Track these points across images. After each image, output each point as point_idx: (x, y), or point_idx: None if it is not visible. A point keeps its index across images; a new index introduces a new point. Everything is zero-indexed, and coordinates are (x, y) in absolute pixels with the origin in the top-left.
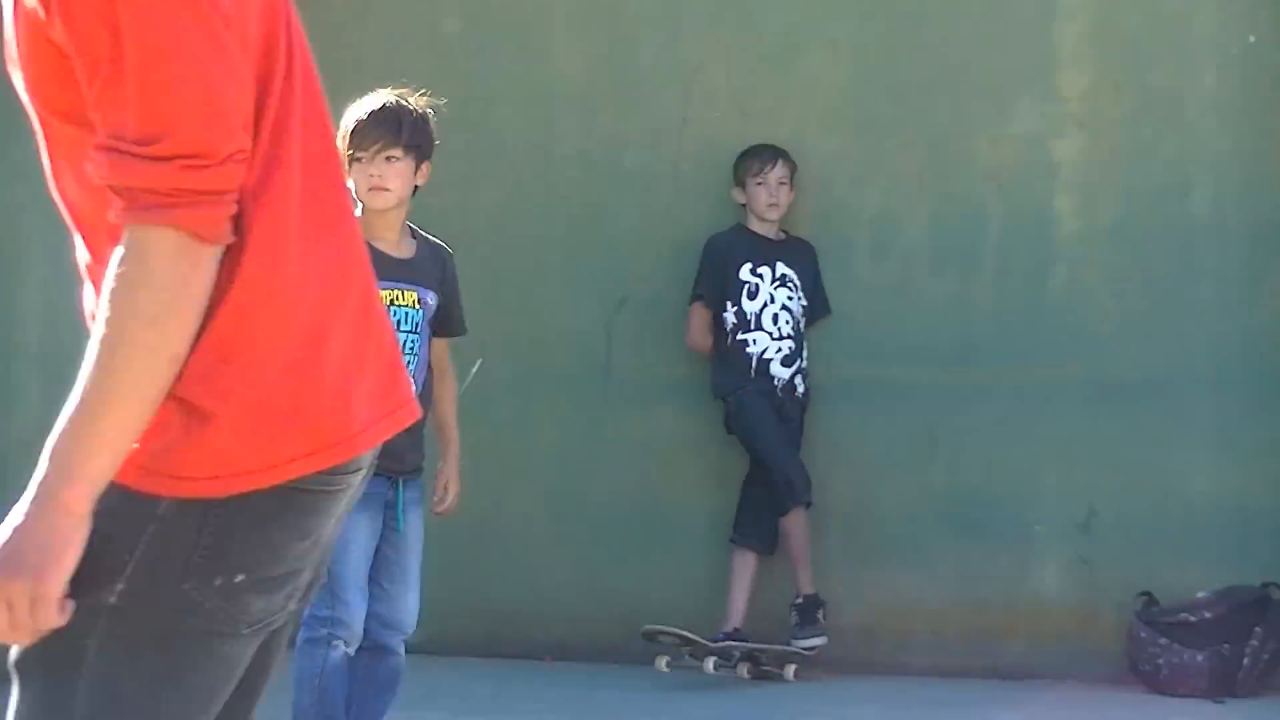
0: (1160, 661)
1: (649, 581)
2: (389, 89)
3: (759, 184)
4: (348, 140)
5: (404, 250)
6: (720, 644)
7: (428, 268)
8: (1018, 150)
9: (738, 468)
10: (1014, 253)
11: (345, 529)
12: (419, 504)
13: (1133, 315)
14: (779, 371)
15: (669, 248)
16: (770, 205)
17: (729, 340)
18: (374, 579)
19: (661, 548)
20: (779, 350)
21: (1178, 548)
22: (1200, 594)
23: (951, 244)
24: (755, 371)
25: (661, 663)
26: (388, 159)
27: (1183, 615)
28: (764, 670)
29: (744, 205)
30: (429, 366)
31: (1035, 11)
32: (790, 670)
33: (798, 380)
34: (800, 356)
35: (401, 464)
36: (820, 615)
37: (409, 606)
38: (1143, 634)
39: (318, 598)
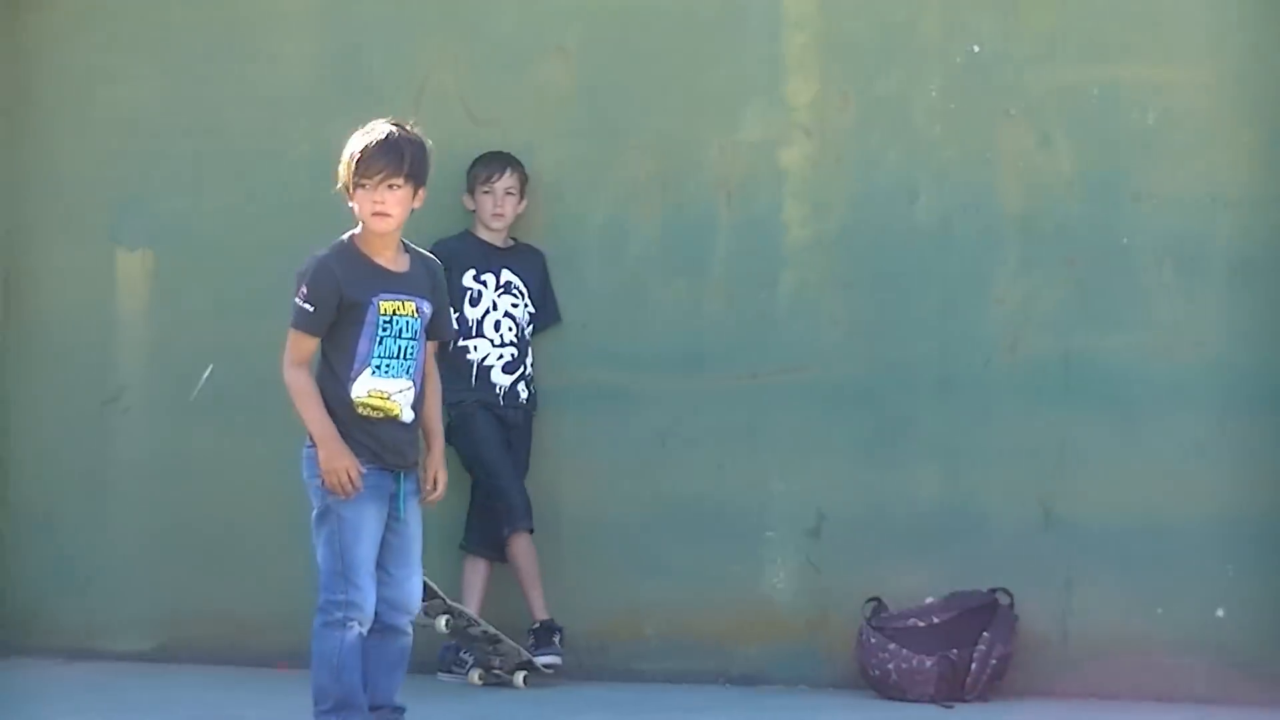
0: (890, 666)
1: None
2: (389, 119)
3: (485, 192)
4: (353, 167)
5: (400, 265)
6: (458, 606)
7: (420, 279)
8: (746, 158)
9: (468, 475)
10: (743, 259)
11: (356, 520)
12: (416, 494)
13: (860, 321)
14: (500, 379)
15: None
16: (495, 214)
17: (451, 347)
18: (380, 565)
19: None
20: (500, 357)
21: (906, 553)
22: (929, 599)
23: (682, 251)
24: (476, 379)
25: None
26: (390, 186)
27: (912, 620)
28: (495, 676)
29: (473, 212)
30: None
31: (763, 20)
32: (520, 677)
33: (520, 387)
34: (524, 364)
35: (403, 459)
36: (556, 640)
37: (414, 589)
38: (872, 639)
39: (332, 583)
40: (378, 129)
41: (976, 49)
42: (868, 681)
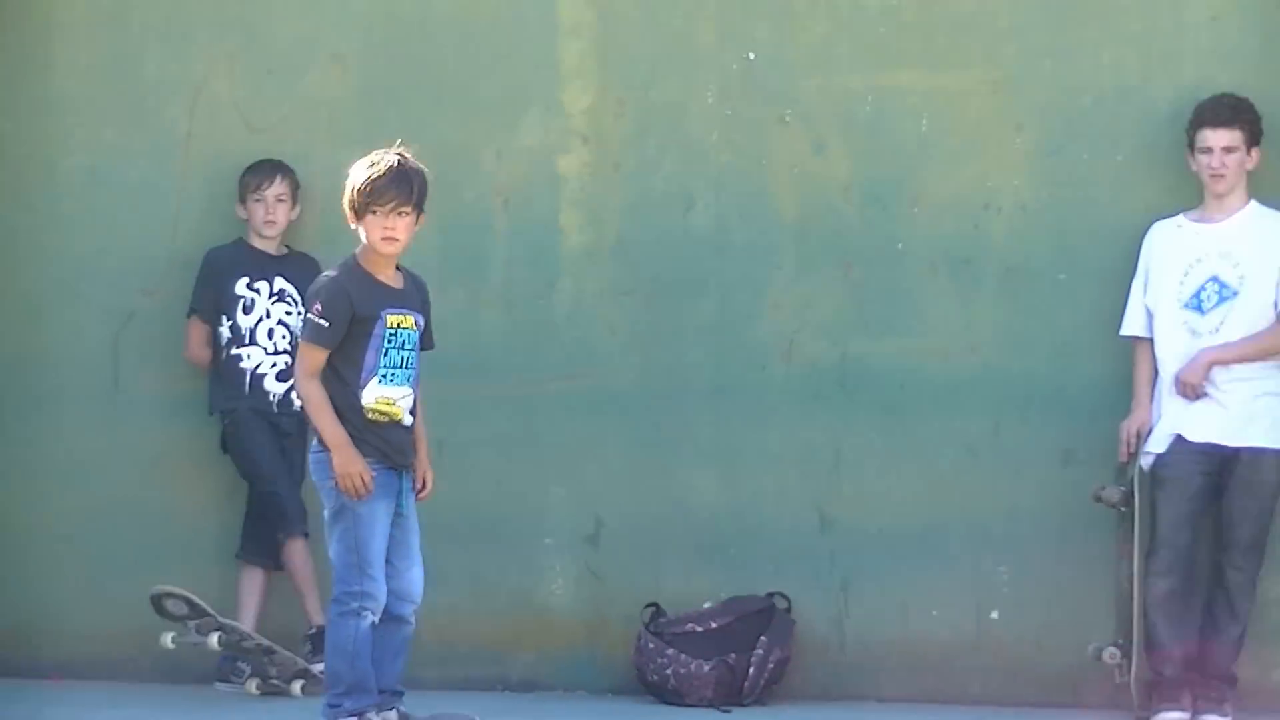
0: (668, 671)
1: None
2: (393, 149)
3: (257, 200)
4: (363, 194)
5: (398, 282)
6: (229, 622)
7: (414, 295)
8: (524, 165)
9: (244, 482)
10: (521, 267)
11: (370, 516)
12: (412, 491)
13: (637, 328)
14: (273, 387)
15: (175, 262)
16: (268, 222)
17: (224, 355)
18: (386, 558)
19: (172, 562)
20: (274, 365)
21: (685, 558)
22: (706, 604)
23: (460, 257)
24: (249, 387)
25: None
26: (399, 214)
27: (690, 625)
28: (272, 685)
29: (246, 220)
30: None
31: (539, 27)
32: (297, 686)
33: (294, 395)
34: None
35: (405, 458)
36: None
37: (417, 579)
38: (650, 645)
39: (348, 575)
40: (385, 159)
41: (752, 56)
42: (646, 687)
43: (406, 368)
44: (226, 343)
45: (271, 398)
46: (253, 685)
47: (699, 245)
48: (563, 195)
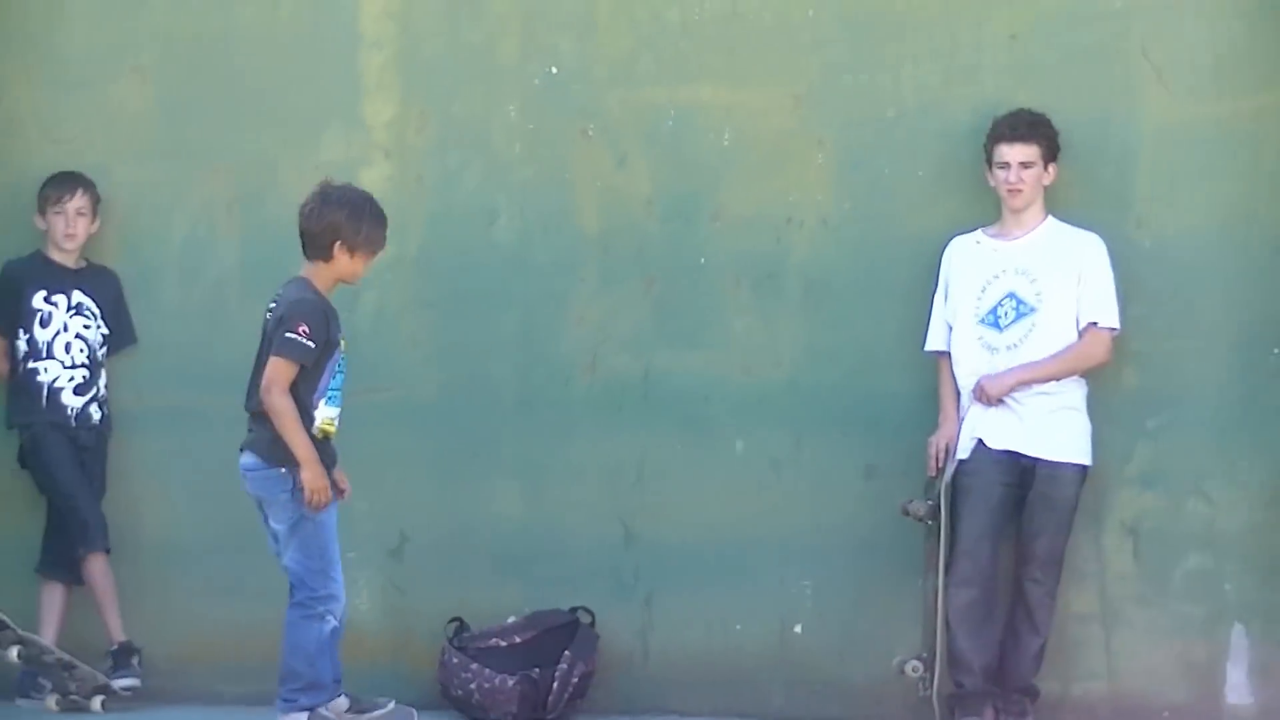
0: (472, 686)
1: None
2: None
3: (57, 213)
4: (361, 234)
5: None
6: (29, 635)
7: None
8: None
9: (44, 497)
10: None
11: (328, 524)
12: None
13: (440, 341)
14: (71, 401)
15: None
16: (68, 235)
17: (21, 369)
18: None
19: None
20: (71, 379)
21: (489, 572)
22: (511, 618)
23: (261, 272)
24: (47, 401)
25: None
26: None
27: (494, 640)
28: (72, 701)
29: (45, 232)
30: None
31: (341, 41)
32: (97, 702)
33: (93, 409)
34: (96, 385)
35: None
36: (135, 661)
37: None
38: (454, 659)
39: (313, 580)
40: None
41: (554, 70)
42: (450, 702)
43: (340, 390)
44: (24, 356)
45: (70, 412)
46: (53, 701)
47: (502, 259)
48: None
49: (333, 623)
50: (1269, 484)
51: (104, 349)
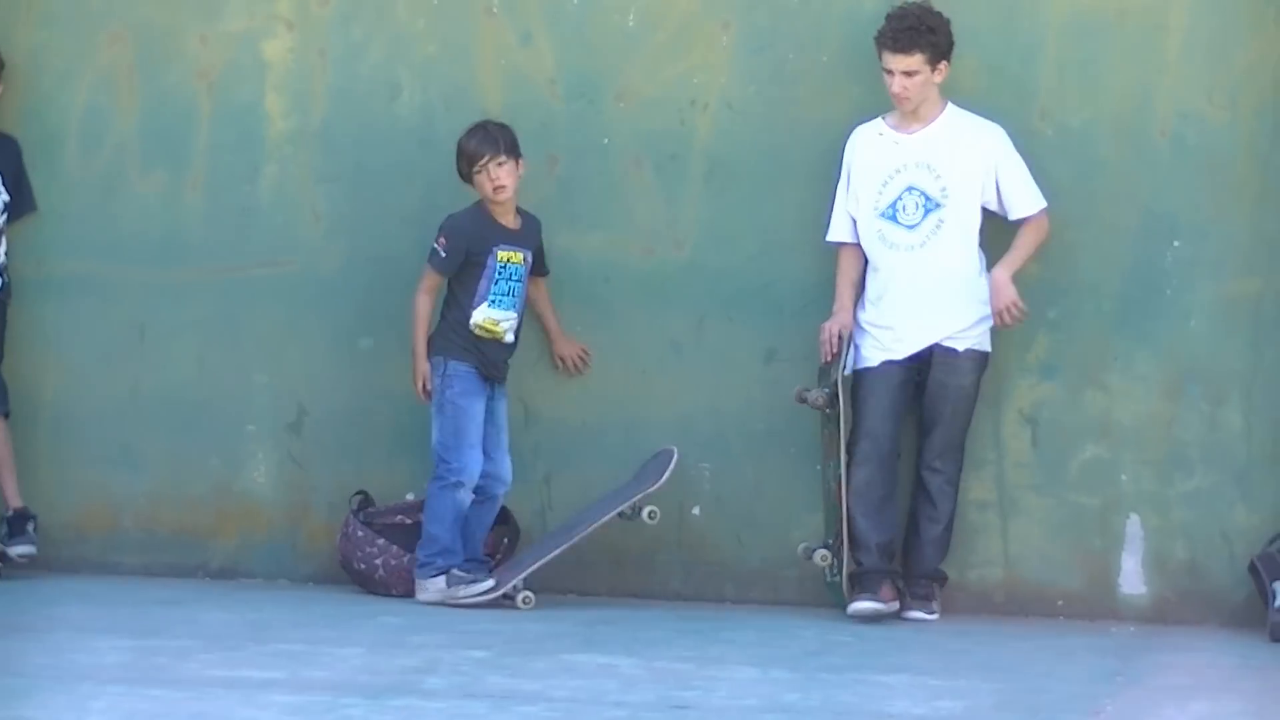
0: (377, 562)
1: None
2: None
3: None
4: (462, 161)
5: (515, 223)
6: None
7: (528, 234)
8: (228, 49)
9: None
10: (224, 151)
11: (464, 409)
12: (503, 397)
13: (342, 215)
14: None
15: None
16: None
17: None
18: (484, 450)
19: None
20: None
21: (387, 449)
22: (410, 496)
23: (162, 141)
24: None
25: None
26: (498, 164)
27: (399, 517)
28: None
29: None
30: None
31: None
32: None
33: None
34: None
35: (498, 371)
36: (30, 528)
37: (506, 464)
38: (359, 533)
39: (447, 453)
40: (471, 128)
41: None
42: (351, 576)
43: (512, 295)
44: None
45: None
46: None
47: (404, 134)
48: (268, 81)
49: (464, 492)
50: (1166, 375)
51: (4, 216)
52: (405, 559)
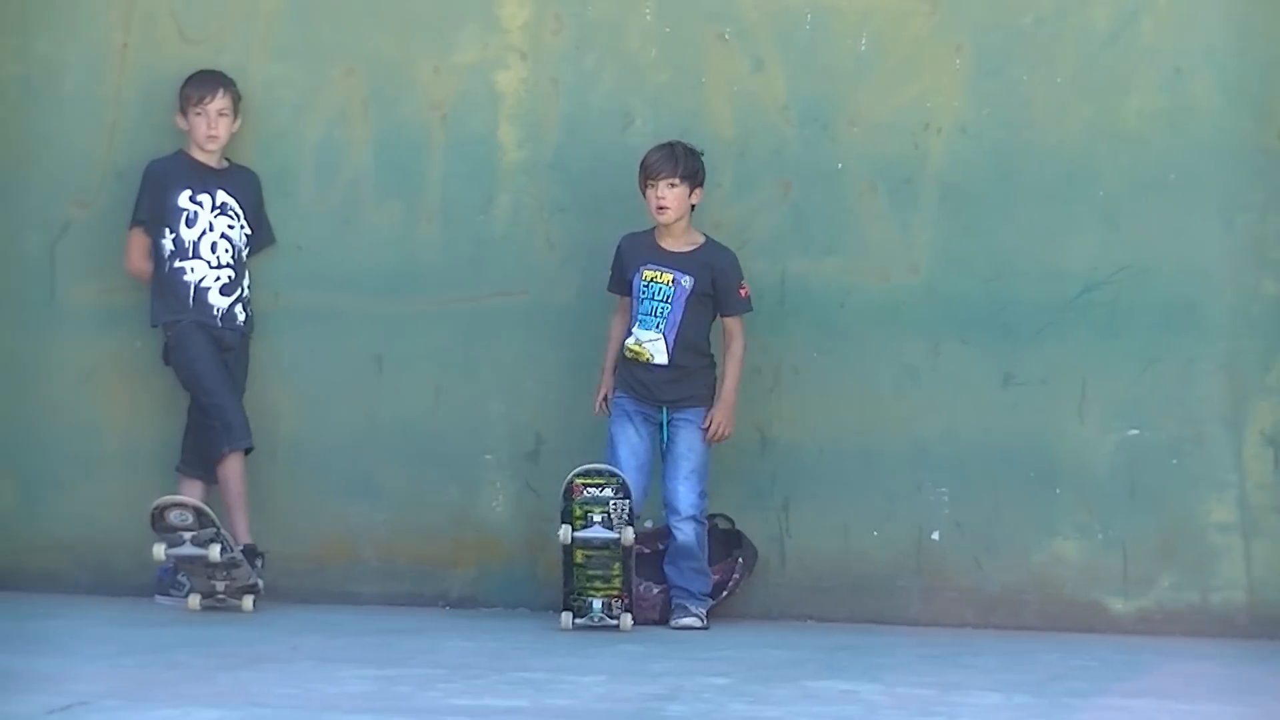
0: None
1: (95, 509)
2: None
3: (198, 114)
4: (642, 172)
5: (676, 245)
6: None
7: (688, 258)
8: (461, 80)
9: (184, 395)
10: (458, 181)
11: (613, 434)
12: (686, 425)
13: (576, 244)
14: (217, 300)
15: (111, 174)
16: (210, 136)
17: (166, 268)
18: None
19: (108, 475)
20: (217, 279)
21: None
22: (648, 523)
23: (396, 172)
24: (193, 300)
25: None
26: (670, 185)
27: (636, 547)
28: (220, 600)
29: (186, 132)
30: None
31: None
32: (249, 601)
33: (238, 309)
34: (241, 285)
35: (651, 394)
36: (258, 564)
37: (681, 493)
38: None
39: None
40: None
41: None
42: None
43: (656, 315)
44: (169, 255)
45: (215, 312)
46: (195, 600)
47: (637, 162)
48: (500, 111)
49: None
50: None
51: (246, 250)
52: (641, 588)
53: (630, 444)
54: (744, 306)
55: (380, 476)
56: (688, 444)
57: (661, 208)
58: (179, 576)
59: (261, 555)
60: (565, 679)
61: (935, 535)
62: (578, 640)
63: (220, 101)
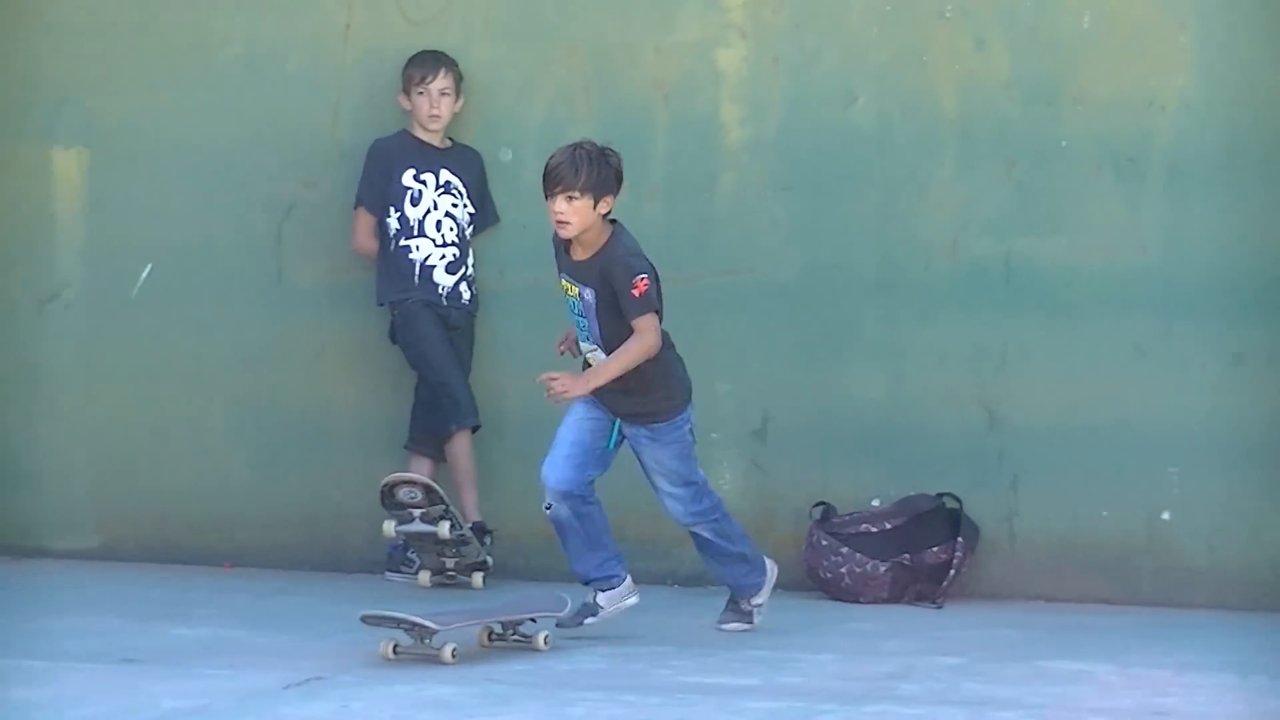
0: (843, 570)
1: (326, 487)
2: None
3: (420, 94)
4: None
5: (587, 253)
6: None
7: (586, 269)
8: (682, 60)
9: (412, 373)
10: (681, 160)
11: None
12: (636, 439)
13: (800, 223)
14: (443, 279)
15: (336, 154)
16: (432, 116)
17: (392, 246)
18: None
19: (338, 454)
20: (443, 258)
21: (851, 456)
22: (875, 502)
23: (619, 152)
24: (419, 279)
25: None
26: (569, 199)
27: (864, 526)
28: (450, 577)
29: (409, 112)
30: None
31: None
32: (479, 578)
33: (463, 288)
34: (465, 264)
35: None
36: (487, 542)
37: (668, 506)
38: (823, 542)
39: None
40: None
41: None
42: (816, 583)
43: (584, 330)
44: (395, 234)
45: (441, 290)
46: (425, 577)
47: (861, 141)
48: (722, 90)
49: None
50: None
51: (470, 229)
52: (868, 566)
53: (570, 423)
54: (640, 306)
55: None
56: (652, 459)
57: (561, 223)
58: (409, 553)
59: (490, 532)
60: (797, 657)
61: (1165, 515)
62: (807, 619)
63: (442, 81)
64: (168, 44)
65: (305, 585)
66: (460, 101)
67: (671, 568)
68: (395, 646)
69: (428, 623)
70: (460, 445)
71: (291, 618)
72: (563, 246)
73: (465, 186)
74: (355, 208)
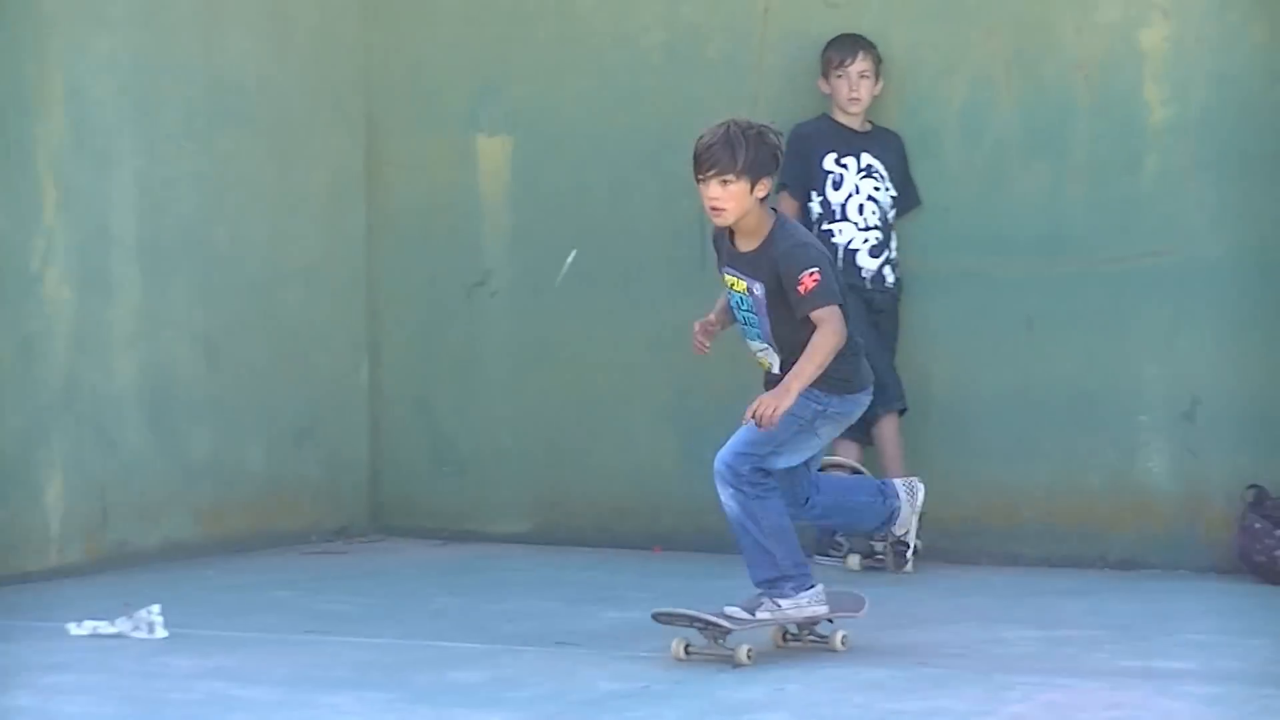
0: (1277, 553)
1: None
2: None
3: (839, 77)
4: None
5: (752, 243)
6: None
7: (752, 262)
8: (1104, 39)
9: None
10: (1104, 141)
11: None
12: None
13: (1226, 204)
14: (866, 263)
15: None
16: (851, 99)
17: (815, 230)
18: None
19: None
20: (865, 241)
21: None
22: None
23: (1041, 133)
24: (843, 262)
25: (854, 561)
26: (723, 183)
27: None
28: (879, 561)
29: (829, 95)
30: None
31: None
32: (910, 564)
33: (886, 271)
34: (888, 247)
35: None
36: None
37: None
38: (1257, 525)
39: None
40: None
41: None
42: (1249, 567)
43: (752, 326)
44: (818, 218)
45: (865, 274)
46: (855, 561)
47: None
48: (1145, 69)
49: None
50: None
51: (893, 211)
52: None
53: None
54: (811, 302)
55: (1035, 438)
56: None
57: (715, 209)
58: (837, 536)
59: (919, 515)
60: (1234, 641)
61: None
62: (1241, 604)
63: (861, 64)
64: (589, 31)
65: (735, 569)
66: (880, 84)
67: (1102, 551)
68: (687, 646)
69: (722, 622)
70: (887, 428)
71: (724, 601)
72: (725, 237)
73: (887, 169)
74: (777, 193)
